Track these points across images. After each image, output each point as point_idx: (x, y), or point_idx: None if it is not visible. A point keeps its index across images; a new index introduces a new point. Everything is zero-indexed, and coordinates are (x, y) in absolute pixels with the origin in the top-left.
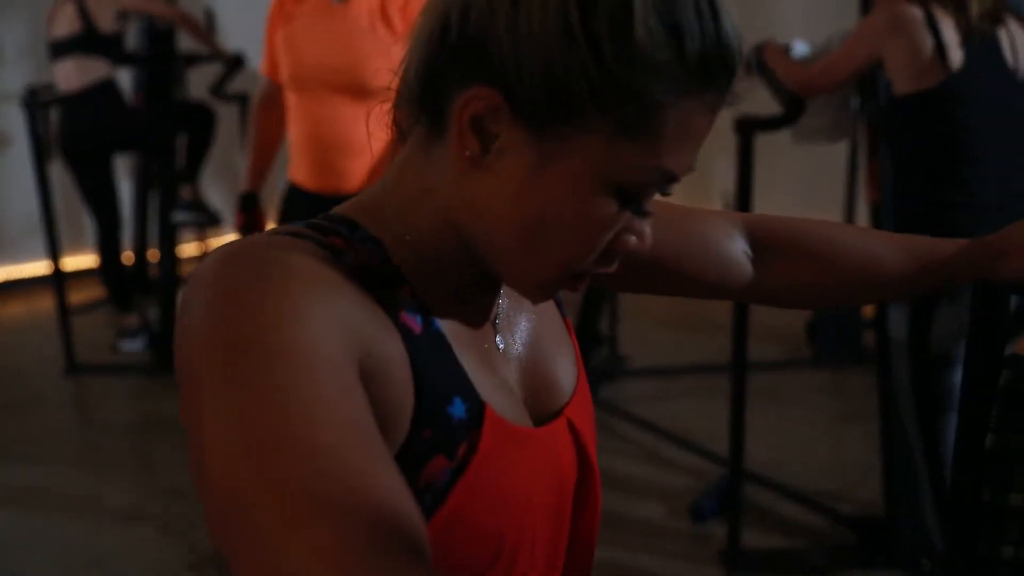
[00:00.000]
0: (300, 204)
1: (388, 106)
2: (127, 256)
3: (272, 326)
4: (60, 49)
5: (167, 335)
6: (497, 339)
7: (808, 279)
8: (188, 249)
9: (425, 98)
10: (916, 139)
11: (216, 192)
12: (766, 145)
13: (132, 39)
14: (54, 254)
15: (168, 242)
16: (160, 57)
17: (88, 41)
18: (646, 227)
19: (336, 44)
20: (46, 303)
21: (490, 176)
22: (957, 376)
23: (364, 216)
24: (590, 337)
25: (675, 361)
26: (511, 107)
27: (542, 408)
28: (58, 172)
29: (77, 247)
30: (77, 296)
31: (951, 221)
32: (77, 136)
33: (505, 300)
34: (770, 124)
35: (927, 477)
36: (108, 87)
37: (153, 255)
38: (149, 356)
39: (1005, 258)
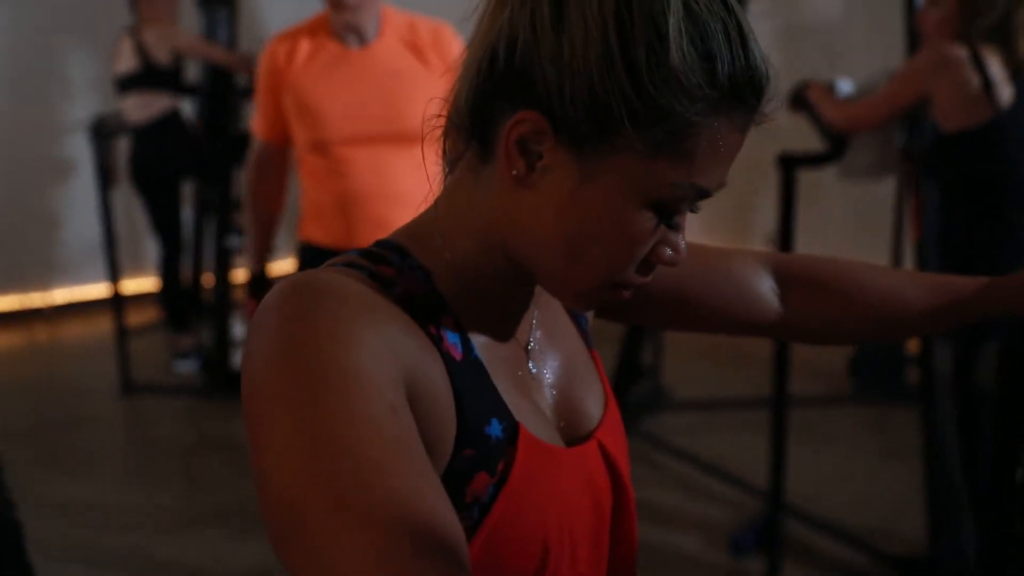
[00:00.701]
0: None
1: (435, 146)
2: (185, 279)
3: (327, 352)
4: (124, 84)
5: (220, 357)
6: (530, 365)
7: (834, 315)
8: (240, 275)
9: (474, 124)
10: (963, 177)
11: None
12: (812, 185)
13: (193, 71)
14: (114, 277)
15: (222, 267)
16: (218, 90)
17: (148, 76)
18: (680, 240)
19: (368, 92)
20: (105, 325)
21: (535, 194)
22: None
23: (413, 243)
24: (633, 369)
25: (717, 394)
26: (554, 129)
27: (572, 432)
28: (120, 199)
29: (135, 271)
30: (134, 319)
31: (996, 258)
32: (147, 165)
33: (539, 331)
34: (812, 160)
35: (970, 513)
36: (172, 119)
37: (208, 279)
38: (201, 377)
39: None
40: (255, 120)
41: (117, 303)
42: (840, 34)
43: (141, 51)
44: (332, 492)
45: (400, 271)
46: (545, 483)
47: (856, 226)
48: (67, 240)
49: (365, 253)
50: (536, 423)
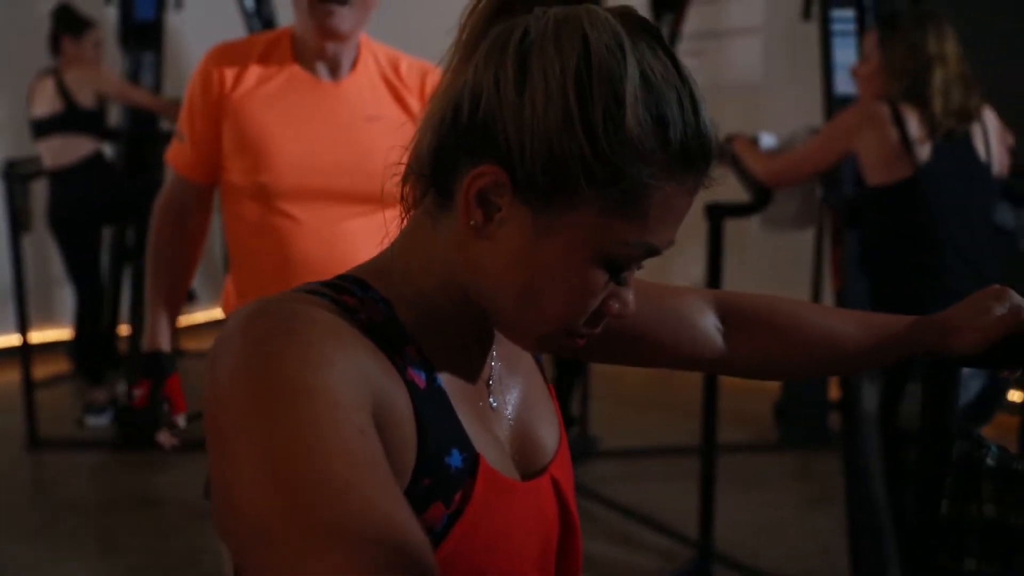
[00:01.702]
0: None
1: (398, 211)
2: (99, 329)
3: (297, 371)
4: (44, 127)
5: (133, 411)
6: (491, 399)
7: (774, 352)
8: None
9: (435, 174)
10: (887, 228)
11: None
12: (735, 233)
13: (114, 114)
14: (23, 326)
15: (141, 316)
16: (141, 135)
17: (71, 119)
18: (629, 295)
19: (332, 136)
20: (10, 376)
21: (492, 244)
22: None
23: (373, 278)
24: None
25: (645, 443)
26: (513, 184)
27: (528, 465)
28: (31, 245)
29: (45, 321)
30: (43, 370)
31: (924, 306)
32: (67, 210)
33: (499, 364)
34: (739, 211)
35: (896, 553)
36: (96, 161)
37: (123, 329)
38: (114, 432)
39: (957, 333)
40: (174, 152)
41: (25, 353)
42: (759, 93)
43: (64, 93)
44: (300, 509)
45: (362, 301)
46: (500, 517)
47: (777, 275)
48: None
49: (326, 283)
50: (495, 455)
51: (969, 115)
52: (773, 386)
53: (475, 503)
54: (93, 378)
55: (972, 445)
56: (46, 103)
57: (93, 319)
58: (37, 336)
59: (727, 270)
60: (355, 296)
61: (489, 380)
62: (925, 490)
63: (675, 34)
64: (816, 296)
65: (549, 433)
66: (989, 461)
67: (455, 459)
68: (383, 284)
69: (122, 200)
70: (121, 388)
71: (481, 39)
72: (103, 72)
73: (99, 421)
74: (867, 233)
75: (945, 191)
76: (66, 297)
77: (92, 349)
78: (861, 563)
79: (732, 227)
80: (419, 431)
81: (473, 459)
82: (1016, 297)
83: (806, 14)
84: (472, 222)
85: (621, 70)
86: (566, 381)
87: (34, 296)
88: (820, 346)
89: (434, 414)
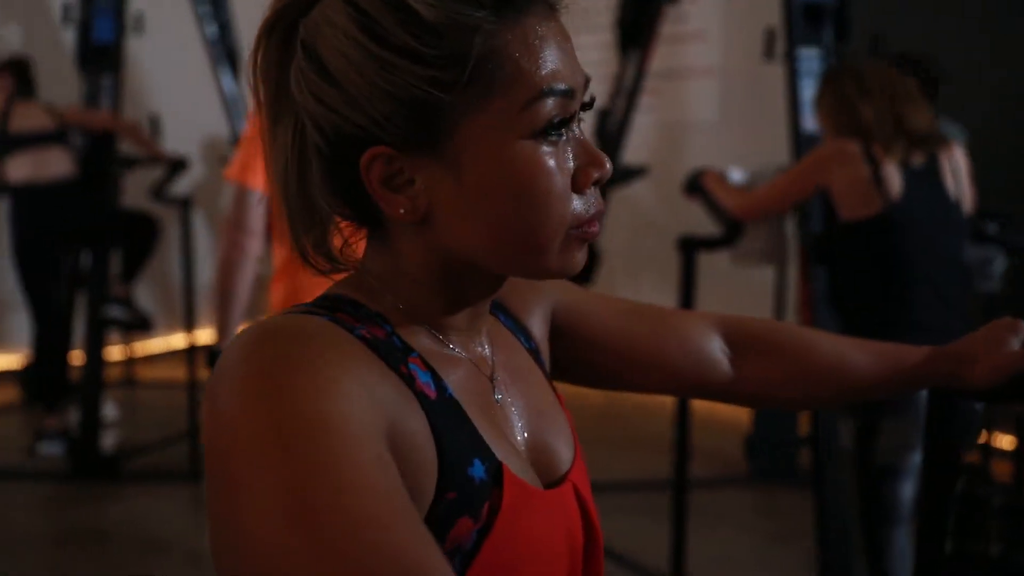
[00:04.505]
0: None
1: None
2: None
3: (308, 403)
4: (25, 141)
5: (87, 439)
6: (496, 395)
7: (783, 377)
8: (113, 353)
9: (345, 203)
10: (858, 262)
11: (147, 295)
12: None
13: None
14: None
15: (95, 342)
16: (99, 159)
17: (59, 135)
18: (593, 149)
19: None
20: None
21: (436, 212)
22: (903, 488)
23: (360, 295)
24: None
25: (613, 477)
26: (396, 149)
27: (546, 474)
28: None
29: None
30: None
31: (894, 340)
32: (36, 229)
33: (497, 361)
34: (711, 244)
35: None
36: (71, 181)
37: (76, 356)
38: (67, 461)
39: (974, 364)
40: (246, 167)
41: None
42: (715, 131)
43: (53, 112)
44: (321, 549)
45: (358, 318)
46: (529, 527)
47: (738, 309)
48: None
49: (317, 303)
50: (516, 464)
51: (936, 147)
52: (743, 420)
53: (504, 514)
54: (47, 405)
55: (975, 481)
56: (30, 120)
57: (50, 344)
58: None
59: (695, 304)
60: (350, 314)
61: (492, 375)
62: (929, 528)
63: (641, 73)
64: None
65: (563, 441)
66: (994, 498)
67: (478, 469)
68: (368, 298)
69: (81, 223)
70: (74, 416)
71: (279, 90)
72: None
73: (52, 449)
74: (839, 268)
75: (917, 226)
76: (18, 322)
77: (48, 375)
78: None
79: (701, 260)
80: (437, 444)
81: (496, 468)
82: None
83: (768, 53)
84: (402, 211)
85: None
86: None
87: None
88: (831, 374)
89: (450, 425)
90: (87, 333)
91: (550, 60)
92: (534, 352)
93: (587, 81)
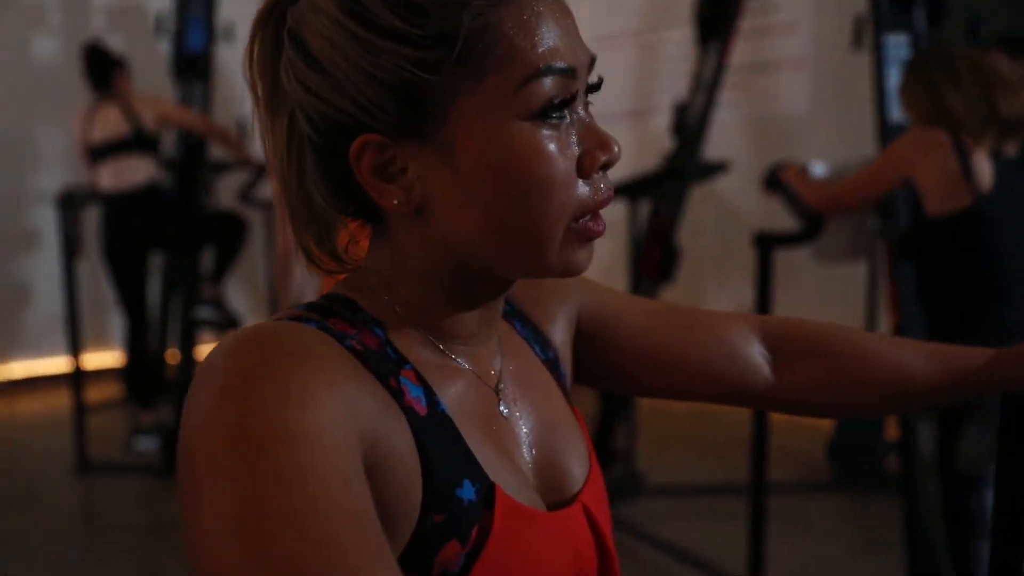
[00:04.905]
0: None
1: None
2: (150, 354)
3: (276, 414)
4: (107, 151)
5: None
6: (501, 407)
7: (831, 382)
8: (205, 351)
9: (340, 196)
10: (946, 257)
11: (236, 295)
12: (784, 267)
13: (168, 144)
14: (75, 351)
15: (188, 341)
16: (191, 163)
17: (136, 142)
18: (597, 131)
19: None
20: (63, 400)
21: (433, 201)
22: (987, 498)
23: (360, 295)
24: (606, 453)
25: (692, 480)
26: (387, 137)
27: (554, 494)
28: (85, 271)
29: (98, 345)
30: (95, 394)
31: (982, 339)
32: (121, 236)
33: (508, 373)
34: (789, 240)
35: None
36: (154, 187)
37: (172, 355)
38: (161, 457)
39: None
40: None
41: (76, 378)
42: (806, 125)
43: (131, 117)
44: (269, 566)
45: (353, 324)
46: (524, 551)
47: (828, 308)
48: (27, 313)
49: (312, 306)
50: (514, 483)
51: (1021, 125)
52: (825, 424)
53: (495, 538)
54: (142, 401)
55: None
56: (109, 127)
57: (142, 343)
58: (91, 360)
59: (777, 303)
60: (344, 319)
61: (499, 384)
62: (1003, 541)
63: (721, 66)
64: (871, 331)
65: (576, 459)
66: None
67: (467, 491)
68: (369, 300)
69: (174, 228)
70: (168, 414)
71: (275, 83)
72: (164, 98)
73: (148, 444)
74: (926, 264)
75: (1008, 219)
76: (119, 322)
77: (141, 373)
78: None
79: (782, 258)
80: (423, 463)
81: (488, 489)
82: None
83: (857, 42)
84: (396, 201)
85: None
86: (609, 416)
87: (89, 320)
88: (886, 380)
89: (439, 443)
90: (181, 332)
91: (547, 37)
92: (551, 363)
93: (592, 60)
